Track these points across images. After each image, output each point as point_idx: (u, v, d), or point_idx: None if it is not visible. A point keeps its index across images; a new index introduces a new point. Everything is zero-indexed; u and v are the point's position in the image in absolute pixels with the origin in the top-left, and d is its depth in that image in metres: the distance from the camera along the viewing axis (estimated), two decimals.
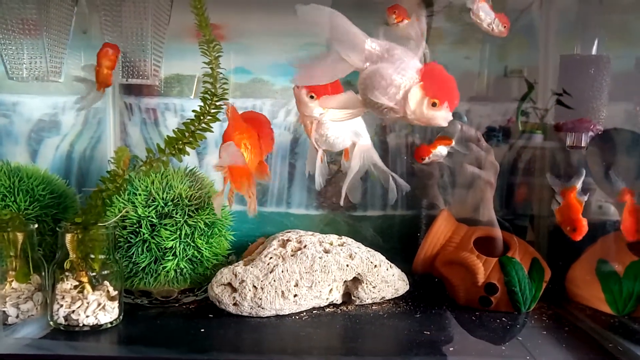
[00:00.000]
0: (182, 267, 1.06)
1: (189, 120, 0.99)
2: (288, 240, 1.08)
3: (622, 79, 1.14)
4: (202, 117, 0.98)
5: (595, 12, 1.14)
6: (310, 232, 1.12)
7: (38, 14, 1.05)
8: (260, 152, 0.96)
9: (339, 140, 0.96)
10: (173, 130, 1.00)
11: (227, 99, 0.99)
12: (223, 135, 0.90)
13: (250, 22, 1.31)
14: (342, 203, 1.02)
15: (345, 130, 0.96)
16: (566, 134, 1.14)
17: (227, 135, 0.89)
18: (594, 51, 1.11)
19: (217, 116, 0.99)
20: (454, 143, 1.14)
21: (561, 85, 1.14)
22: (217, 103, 0.99)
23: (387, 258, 1.13)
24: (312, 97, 0.90)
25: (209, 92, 0.98)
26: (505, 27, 1.03)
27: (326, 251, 1.06)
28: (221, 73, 0.98)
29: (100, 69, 1.06)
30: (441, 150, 1.15)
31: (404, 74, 0.78)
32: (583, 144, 1.11)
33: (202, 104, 0.99)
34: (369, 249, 1.12)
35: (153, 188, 1.07)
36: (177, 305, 1.08)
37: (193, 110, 0.99)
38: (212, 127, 0.99)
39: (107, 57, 1.05)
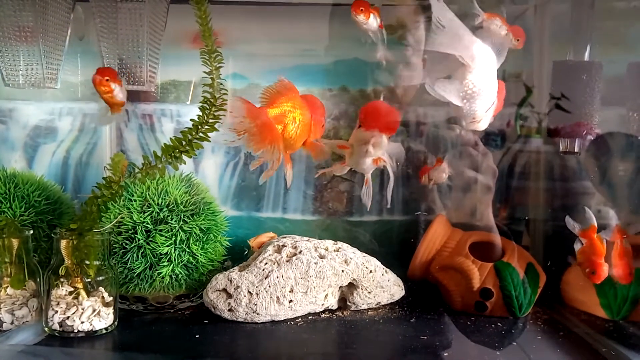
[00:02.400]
0: (178, 272, 1.06)
1: (186, 129, 1.00)
2: (283, 245, 1.08)
3: (615, 84, 1.15)
4: (199, 127, 0.99)
5: (587, 19, 1.15)
6: (306, 238, 1.12)
7: (34, 20, 1.06)
8: (309, 131, 0.96)
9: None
10: (170, 139, 1.00)
11: (225, 109, 1.00)
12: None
13: (247, 29, 1.32)
14: (389, 205, 1.16)
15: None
16: (559, 139, 1.15)
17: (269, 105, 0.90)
18: (586, 57, 1.12)
19: (215, 126, 1.00)
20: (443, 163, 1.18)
21: (554, 91, 1.15)
22: (216, 113, 0.99)
23: (383, 263, 1.13)
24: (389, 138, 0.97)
25: (207, 102, 0.98)
26: (519, 40, 1.04)
27: (321, 257, 1.07)
28: (221, 83, 0.99)
29: (102, 96, 1.06)
30: (442, 169, 1.20)
31: None
32: (576, 149, 1.12)
33: (198, 109, 1.00)
34: (364, 254, 1.12)
35: (148, 194, 1.07)
36: (172, 311, 1.08)
37: (191, 120, 1.00)
38: (209, 137, 0.99)
39: (101, 84, 1.05)
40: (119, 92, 1.06)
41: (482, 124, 0.91)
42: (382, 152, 0.95)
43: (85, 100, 1.36)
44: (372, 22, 1.09)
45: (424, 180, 1.21)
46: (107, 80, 1.04)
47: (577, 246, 0.99)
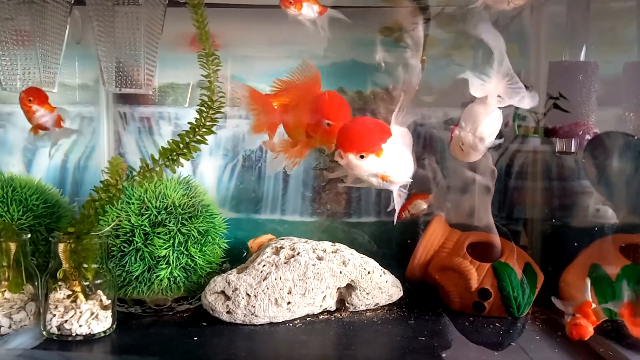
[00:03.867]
0: (176, 275, 1.06)
1: (184, 132, 1.00)
2: (281, 247, 1.08)
3: (611, 84, 1.15)
4: (197, 130, 0.99)
5: (583, 19, 1.15)
6: (304, 239, 1.12)
7: (31, 24, 1.06)
8: (305, 128, 0.92)
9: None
10: (167, 142, 1.00)
11: (223, 112, 1.00)
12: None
13: (245, 31, 1.32)
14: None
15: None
16: (556, 139, 1.15)
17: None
18: (582, 57, 1.12)
19: (212, 129, 1.00)
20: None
21: (550, 91, 1.15)
22: (213, 116, 1.00)
23: (382, 264, 1.13)
24: (362, 156, 0.80)
25: (205, 105, 0.99)
26: None
27: (319, 258, 1.07)
28: (218, 86, 0.99)
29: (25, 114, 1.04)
30: (419, 204, 1.19)
31: None
32: (573, 150, 1.12)
33: (195, 112, 1.00)
34: (362, 255, 1.12)
35: (146, 197, 1.07)
36: (170, 313, 1.08)
37: (189, 123, 1.00)
38: (207, 140, 1.00)
39: (23, 103, 1.04)
40: (42, 116, 1.04)
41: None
42: (382, 168, 0.83)
43: (83, 104, 1.36)
44: (308, 11, 1.02)
45: (404, 216, 1.21)
46: (29, 100, 1.03)
47: (567, 318, 0.95)
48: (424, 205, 1.20)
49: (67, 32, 1.16)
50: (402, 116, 0.86)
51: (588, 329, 0.90)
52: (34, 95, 1.03)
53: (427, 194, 1.23)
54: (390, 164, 0.82)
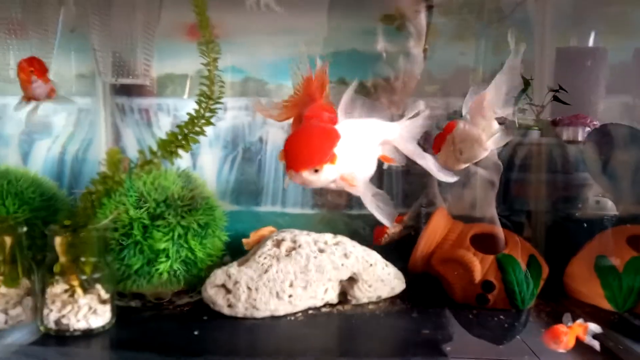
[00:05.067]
0: (176, 268, 1.04)
1: (182, 123, 0.98)
2: (282, 240, 1.07)
3: (620, 71, 1.13)
4: (196, 120, 0.97)
5: (591, 4, 1.13)
6: (305, 232, 1.11)
7: (24, 13, 1.04)
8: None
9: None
10: (166, 133, 0.98)
11: (222, 102, 0.97)
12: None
13: (244, 21, 1.30)
14: None
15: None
16: (562, 128, 1.13)
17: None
18: (590, 43, 1.10)
19: (211, 120, 0.97)
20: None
21: (558, 78, 1.13)
22: (212, 106, 0.97)
23: (383, 257, 1.11)
24: (316, 170, 0.74)
25: (204, 95, 0.96)
26: None
27: (321, 250, 1.05)
28: (218, 75, 0.96)
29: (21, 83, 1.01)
30: (394, 226, 1.18)
31: None
32: (580, 138, 1.10)
33: (194, 104, 0.98)
34: (364, 247, 1.10)
35: (145, 189, 1.05)
36: (170, 307, 1.06)
37: (187, 113, 0.98)
38: (205, 131, 0.97)
39: (22, 71, 1.00)
40: (37, 87, 1.00)
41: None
42: (341, 171, 0.76)
43: (81, 95, 1.34)
44: None
45: (383, 241, 1.20)
46: (31, 72, 0.99)
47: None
48: (398, 227, 1.20)
49: (60, 21, 1.13)
50: (352, 108, 0.79)
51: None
52: (35, 67, 0.99)
53: (401, 215, 1.23)
54: (348, 164, 0.76)
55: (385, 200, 0.80)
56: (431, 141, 0.98)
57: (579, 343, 0.86)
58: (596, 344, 0.85)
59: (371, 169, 0.80)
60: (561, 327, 0.84)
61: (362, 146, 0.78)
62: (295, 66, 0.82)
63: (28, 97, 1.02)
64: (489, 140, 0.88)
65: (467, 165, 0.90)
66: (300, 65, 0.81)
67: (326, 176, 0.73)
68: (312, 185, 0.75)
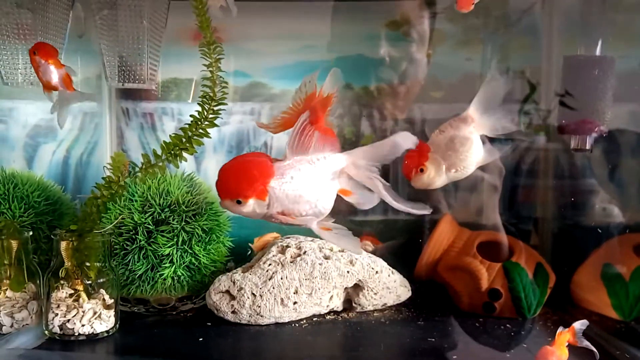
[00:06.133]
0: (180, 274, 1.04)
1: (186, 126, 0.97)
2: (287, 246, 1.06)
3: (627, 79, 1.12)
4: (199, 123, 0.96)
5: (598, 12, 1.12)
6: (310, 238, 1.10)
7: (33, 18, 1.04)
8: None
9: None
10: (170, 136, 0.98)
11: (226, 104, 0.97)
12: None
13: (249, 25, 1.30)
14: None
15: None
16: (570, 136, 1.12)
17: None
18: (597, 52, 1.09)
19: (215, 122, 0.97)
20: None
21: (564, 86, 1.13)
22: (216, 108, 0.97)
23: (389, 264, 1.11)
24: (239, 202, 0.72)
25: (207, 97, 0.96)
26: None
27: (326, 257, 1.05)
28: (221, 77, 0.96)
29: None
30: (367, 247, 1.19)
31: None
32: (588, 146, 1.09)
33: (199, 108, 0.97)
34: (370, 254, 1.10)
35: (149, 194, 1.05)
36: (174, 313, 1.06)
37: (191, 115, 0.97)
38: (209, 133, 0.97)
39: (31, 59, 0.93)
40: (46, 71, 0.93)
41: None
42: (273, 209, 0.74)
43: (86, 99, 1.34)
44: None
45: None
46: (34, 53, 0.93)
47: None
48: (370, 249, 1.19)
49: (69, 25, 1.13)
50: (301, 143, 0.74)
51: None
52: (38, 48, 0.94)
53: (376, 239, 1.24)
54: (287, 202, 0.73)
55: (344, 232, 0.80)
56: None
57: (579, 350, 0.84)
58: (588, 345, 0.83)
59: (326, 205, 0.77)
60: (547, 348, 0.83)
61: (312, 182, 0.75)
62: (304, 82, 0.81)
63: (45, 88, 0.99)
64: (471, 157, 0.87)
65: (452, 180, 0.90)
66: (308, 82, 0.80)
67: (252, 210, 0.71)
68: (240, 214, 0.73)
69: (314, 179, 0.75)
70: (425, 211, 0.81)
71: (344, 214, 1.33)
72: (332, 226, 0.79)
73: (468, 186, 1.21)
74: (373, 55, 1.30)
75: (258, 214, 0.73)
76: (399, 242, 1.28)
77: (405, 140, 0.77)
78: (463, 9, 0.90)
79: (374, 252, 1.16)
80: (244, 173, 0.71)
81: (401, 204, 0.78)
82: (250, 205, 0.71)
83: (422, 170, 0.87)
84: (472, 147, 0.90)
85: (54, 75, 0.95)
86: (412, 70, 1.30)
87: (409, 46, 1.29)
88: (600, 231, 1.14)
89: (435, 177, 0.89)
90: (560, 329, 0.83)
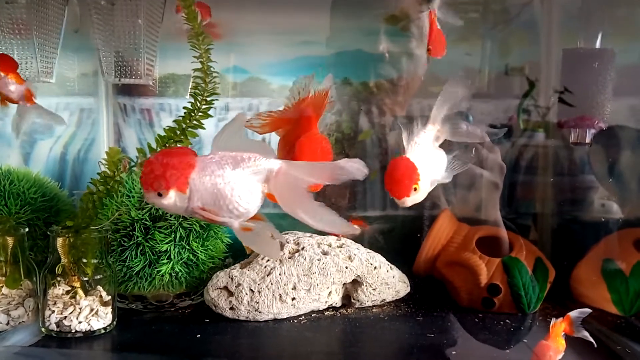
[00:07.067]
0: (177, 270, 1.03)
1: (179, 118, 0.96)
2: (286, 242, 1.06)
3: (627, 73, 1.12)
4: (193, 114, 0.95)
5: (598, 5, 1.12)
6: (308, 234, 1.10)
7: (28, 13, 1.03)
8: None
9: None
10: (164, 129, 0.97)
11: (218, 93, 0.96)
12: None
13: (247, 21, 1.29)
14: None
15: None
16: (569, 130, 1.12)
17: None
18: (597, 45, 1.08)
19: (208, 112, 0.96)
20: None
21: (564, 80, 1.12)
22: (208, 99, 0.96)
23: (387, 259, 1.10)
24: (159, 194, 0.70)
25: (199, 88, 0.95)
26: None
27: (324, 253, 1.04)
28: (212, 67, 0.95)
29: None
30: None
31: None
32: (587, 140, 1.09)
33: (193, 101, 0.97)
34: (368, 250, 1.09)
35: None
36: (172, 309, 1.06)
37: (184, 107, 0.97)
38: (203, 124, 0.96)
39: None
40: (4, 84, 0.91)
41: None
42: (195, 203, 0.71)
43: (83, 95, 1.33)
44: None
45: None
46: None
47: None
48: (358, 232, 1.19)
49: (64, 21, 1.13)
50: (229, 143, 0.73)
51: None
52: None
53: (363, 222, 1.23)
54: (206, 196, 0.71)
55: (267, 235, 0.78)
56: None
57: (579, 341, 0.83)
58: (587, 335, 0.81)
59: (248, 205, 0.73)
60: (544, 343, 0.81)
61: (234, 179, 0.71)
62: (299, 82, 0.80)
63: (1, 101, 0.96)
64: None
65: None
66: (303, 83, 0.80)
67: (173, 202, 0.70)
68: (162, 208, 0.72)
69: (236, 177, 0.72)
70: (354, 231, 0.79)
71: (343, 209, 1.33)
72: (253, 226, 0.76)
73: (467, 183, 1.20)
74: (372, 50, 1.29)
75: (179, 207, 0.71)
76: (389, 227, 1.26)
77: (353, 169, 0.71)
78: (437, 55, 0.90)
79: (362, 235, 1.15)
80: (165, 165, 0.70)
81: (325, 225, 0.75)
82: (172, 197, 0.70)
83: (415, 189, 0.86)
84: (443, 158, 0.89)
85: (15, 90, 0.93)
86: (411, 66, 1.30)
87: (408, 41, 1.28)
88: (599, 226, 1.14)
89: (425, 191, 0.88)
90: (553, 320, 0.82)
